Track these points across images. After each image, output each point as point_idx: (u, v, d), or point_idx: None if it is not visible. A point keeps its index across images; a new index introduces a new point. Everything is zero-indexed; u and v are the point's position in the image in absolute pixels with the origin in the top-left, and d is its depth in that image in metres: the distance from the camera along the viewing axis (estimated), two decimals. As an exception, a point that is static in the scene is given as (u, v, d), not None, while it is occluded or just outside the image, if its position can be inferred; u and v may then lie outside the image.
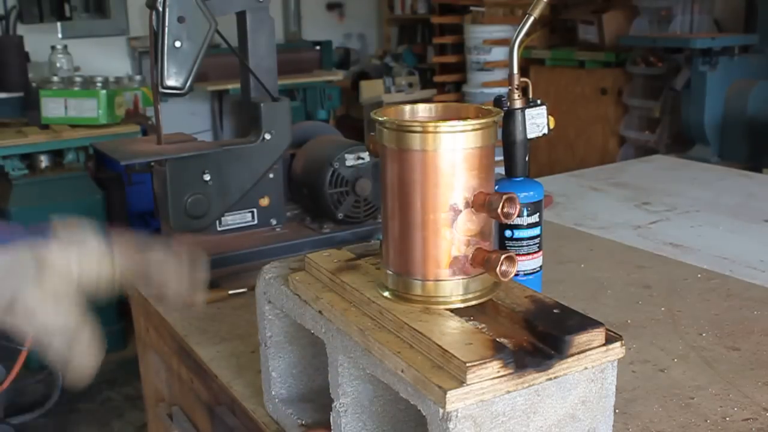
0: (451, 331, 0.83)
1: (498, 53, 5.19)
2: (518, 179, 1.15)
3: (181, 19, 1.43)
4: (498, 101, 1.13)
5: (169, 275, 0.99)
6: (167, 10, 1.42)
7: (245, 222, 1.67)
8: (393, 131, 0.89)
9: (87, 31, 5.22)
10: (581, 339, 0.81)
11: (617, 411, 0.98)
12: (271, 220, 1.70)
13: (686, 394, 1.13)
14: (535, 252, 1.17)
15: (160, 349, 1.60)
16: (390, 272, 0.92)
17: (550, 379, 0.80)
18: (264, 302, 1.08)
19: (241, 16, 1.63)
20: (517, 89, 1.13)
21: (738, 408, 1.09)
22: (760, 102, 3.91)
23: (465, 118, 0.92)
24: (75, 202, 3.71)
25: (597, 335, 0.83)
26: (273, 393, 1.11)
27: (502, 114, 1.12)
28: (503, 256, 0.84)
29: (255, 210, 1.68)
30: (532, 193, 1.15)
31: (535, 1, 1.11)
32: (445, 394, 0.74)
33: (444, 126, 0.86)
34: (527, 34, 1.13)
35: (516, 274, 0.88)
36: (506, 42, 4.60)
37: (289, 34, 6.12)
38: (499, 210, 0.85)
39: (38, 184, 3.71)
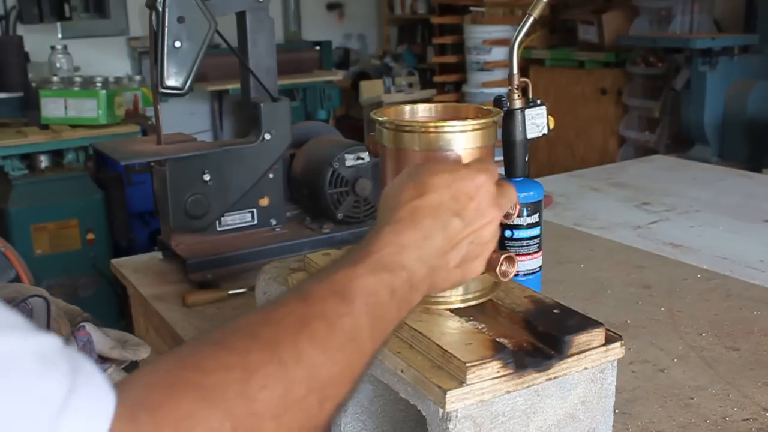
0: (451, 331, 0.83)
1: (498, 53, 5.18)
2: (518, 179, 1.15)
3: (181, 19, 1.43)
4: (498, 101, 1.12)
5: None
6: (167, 10, 1.41)
7: (245, 222, 1.67)
8: (393, 131, 0.89)
9: (87, 31, 5.22)
10: (581, 339, 0.81)
11: (617, 411, 0.98)
12: (271, 220, 1.70)
13: (686, 394, 1.13)
14: (535, 252, 1.17)
15: (160, 349, 1.60)
16: (390, 272, 0.92)
17: (550, 379, 0.80)
18: (264, 302, 1.08)
19: (241, 16, 1.63)
20: (517, 89, 1.13)
21: (738, 408, 1.09)
22: (760, 102, 3.90)
23: (465, 118, 0.92)
24: (75, 202, 3.71)
25: (597, 335, 0.83)
26: (273, 393, 1.11)
27: (502, 114, 1.12)
28: (503, 256, 0.84)
29: (255, 210, 1.68)
30: (532, 193, 1.15)
31: (535, 1, 1.11)
32: (445, 394, 0.74)
33: (444, 126, 0.86)
34: (527, 34, 1.13)
35: (516, 274, 0.88)
36: (506, 42, 4.61)
37: (289, 34, 6.12)
38: (498, 210, 0.85)
39: (38, 184, 3.70)
